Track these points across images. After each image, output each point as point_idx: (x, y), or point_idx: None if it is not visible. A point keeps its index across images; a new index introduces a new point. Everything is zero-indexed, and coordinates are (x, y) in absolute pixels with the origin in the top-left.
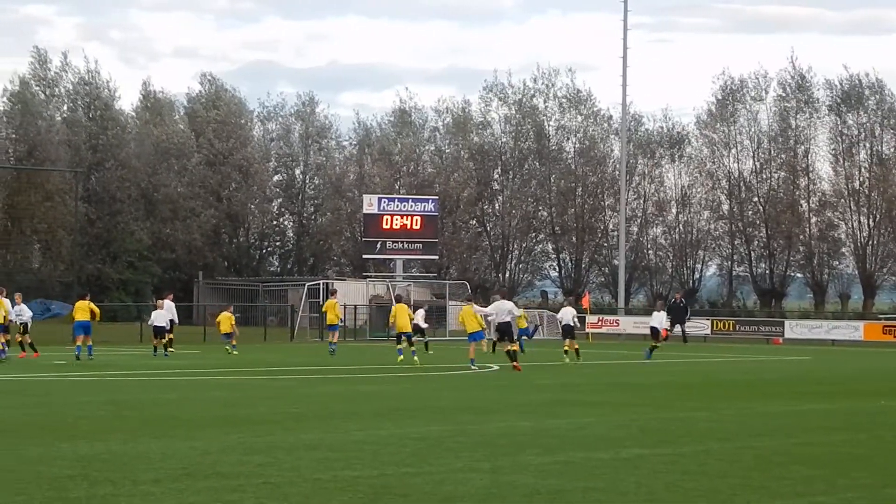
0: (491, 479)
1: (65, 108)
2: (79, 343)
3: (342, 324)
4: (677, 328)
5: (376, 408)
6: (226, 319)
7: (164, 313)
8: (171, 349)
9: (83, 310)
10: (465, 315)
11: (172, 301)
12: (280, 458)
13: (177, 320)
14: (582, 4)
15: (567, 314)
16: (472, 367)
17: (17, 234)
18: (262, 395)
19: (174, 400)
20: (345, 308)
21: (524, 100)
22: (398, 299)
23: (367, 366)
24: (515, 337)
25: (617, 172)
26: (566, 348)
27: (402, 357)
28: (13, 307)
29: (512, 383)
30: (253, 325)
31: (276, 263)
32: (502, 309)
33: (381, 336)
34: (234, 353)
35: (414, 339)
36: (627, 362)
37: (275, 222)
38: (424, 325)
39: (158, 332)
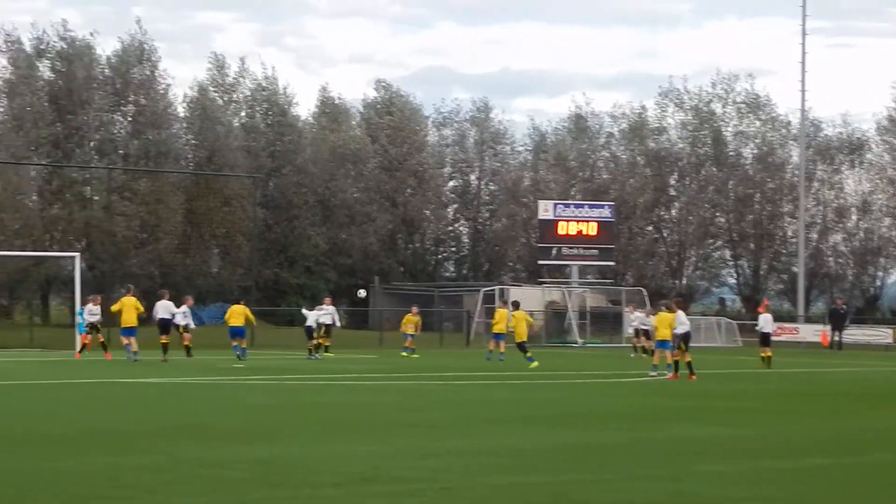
0: (670, 488)
1: (243, 113)
2: (234, 344)
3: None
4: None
5: (551, 413)
6: (407, 321)
7: (315, 314)
8: (329, 353)
9: (237, 315)
10: (661, 321)
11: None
12: (456, 462)
13: (337, 323)
14: (758, 9)
15: (765, 321)
16: (651, 374)
17: (196, 239)
18: (438, 399)
19: (350, 403)
20: None
21: (701, 105)
22: (516, 306)
23: (541, 372)
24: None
25: (796, 178)
26: (763, 356)
27: (535, 363)
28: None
29: (690, 391)
30: (429, 330)
31: (452, 269)
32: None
33: (558, 342)
34: (403, 354)
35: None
36: (809, 371)
37: (450, 228)
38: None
39: (308, 332)
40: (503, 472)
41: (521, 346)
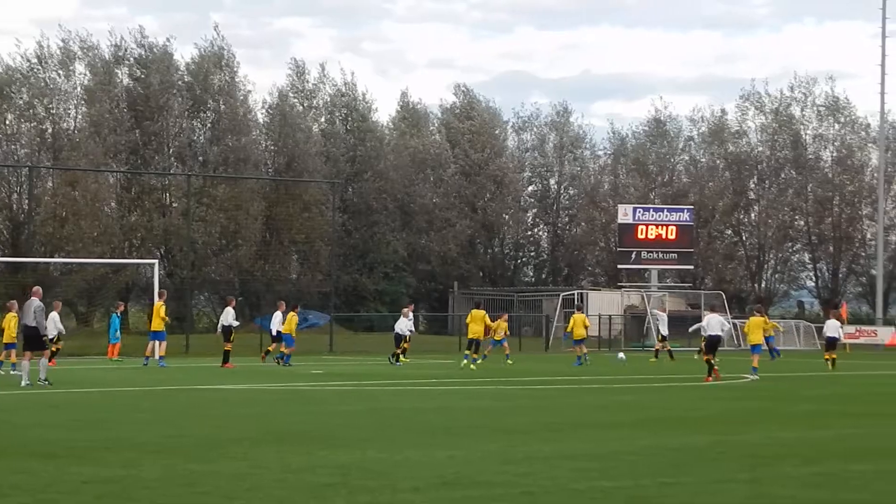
0: (750, 490)
1: (322, 119)
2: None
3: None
4: None
5: (633, 418)
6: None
7: (405, 321)
8: (405, 359)
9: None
10: (753, 326)
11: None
12: (538, 468)
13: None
14: (838, 12)
15: (832, 326)
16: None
17: (275, 245)
18: (519, 404)
19: (432, 409)
20: (599, 318)
21: (780, 108)
22: (477, 305)
23: (622, 376)
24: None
25: (875, 181)
26: (827, 357)
27: (466, 362)
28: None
29: (773, 394)
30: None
31: (531, 273)
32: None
33: (636, 346)
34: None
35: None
36: (889, 373)
37: (529, 232)
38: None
39: (398, 339)
40: (584, 477)
41: (475, 343)
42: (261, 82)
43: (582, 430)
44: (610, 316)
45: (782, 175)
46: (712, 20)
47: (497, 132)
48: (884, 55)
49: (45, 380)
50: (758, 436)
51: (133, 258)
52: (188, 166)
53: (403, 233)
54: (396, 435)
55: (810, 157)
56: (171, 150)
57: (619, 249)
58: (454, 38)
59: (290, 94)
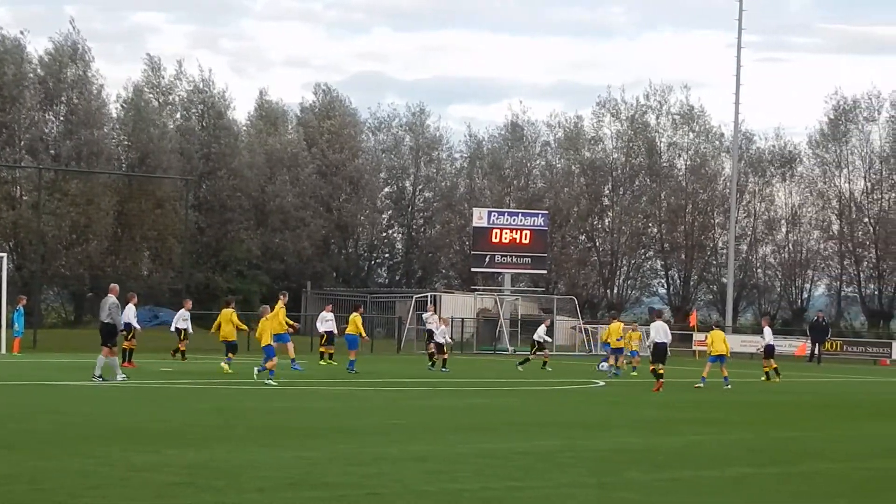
0: (597, 496)
1: (178, 116)
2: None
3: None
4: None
5: (484, 421)
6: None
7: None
8: (333, 362)
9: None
10: (716, 337)
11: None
12: (386, 469)
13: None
14: (694, 21)
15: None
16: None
17: (127, 241)
18: (369, 406)
19: (281, 409)
20: (452, 321)
21: (636, 116)
22: (226, 304)
23: (474, 379)
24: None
25: (727, 190)
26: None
27: (224, 366)
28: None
29: (625, 399)
30: None
31: (385, 275)
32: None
33: (488, 349)
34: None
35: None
36: (737, 381)
37: (384, 234)
38: (548, 340)
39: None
40: (433, 479)
41: (229, 345)
42: (116, 77)
43: (431, 432)
44: (462, 319)
45: (637, 182)
46: (571, 26)
47: (354, 133)
48: (739, 65)
49: (100, 376)
50: (607, 441)
51: None
52: (40, 159)
53: (258, 231)
54: (245, 434)
55: (664, 164)
56: (22, 143)
57: (473, 253)
58: (311, 36)
59: (146, 90)
